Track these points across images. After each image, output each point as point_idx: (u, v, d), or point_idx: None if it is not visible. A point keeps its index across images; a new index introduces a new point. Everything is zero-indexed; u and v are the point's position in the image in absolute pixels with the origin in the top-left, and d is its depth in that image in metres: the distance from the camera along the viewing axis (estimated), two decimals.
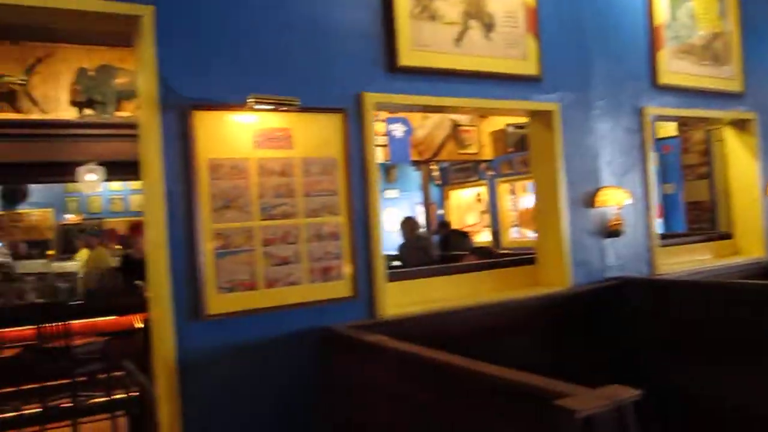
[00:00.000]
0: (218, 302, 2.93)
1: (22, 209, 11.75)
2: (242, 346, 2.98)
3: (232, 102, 3.01)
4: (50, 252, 11.25)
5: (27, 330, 6.14)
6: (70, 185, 11.89)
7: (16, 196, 11.46)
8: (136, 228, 7.43)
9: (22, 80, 7.90)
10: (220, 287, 2.95)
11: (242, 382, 3.00)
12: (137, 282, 6.68)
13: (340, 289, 3.28)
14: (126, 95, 8.37)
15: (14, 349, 5.88)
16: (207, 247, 2.92)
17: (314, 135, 3.24)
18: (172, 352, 2.81)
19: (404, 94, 3.50)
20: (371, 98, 3.38)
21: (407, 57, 3.48)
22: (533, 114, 4.22)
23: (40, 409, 5.99)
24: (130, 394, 4.29)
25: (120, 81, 8.29)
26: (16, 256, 8.11)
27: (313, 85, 3.23)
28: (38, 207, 11.84)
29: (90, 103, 8.27)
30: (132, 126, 8.57)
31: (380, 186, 3.51)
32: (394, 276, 3.53)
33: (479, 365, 2.17)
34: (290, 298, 3.13)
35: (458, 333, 3.24)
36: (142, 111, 2.91)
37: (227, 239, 2.98)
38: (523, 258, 4.36)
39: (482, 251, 5.64)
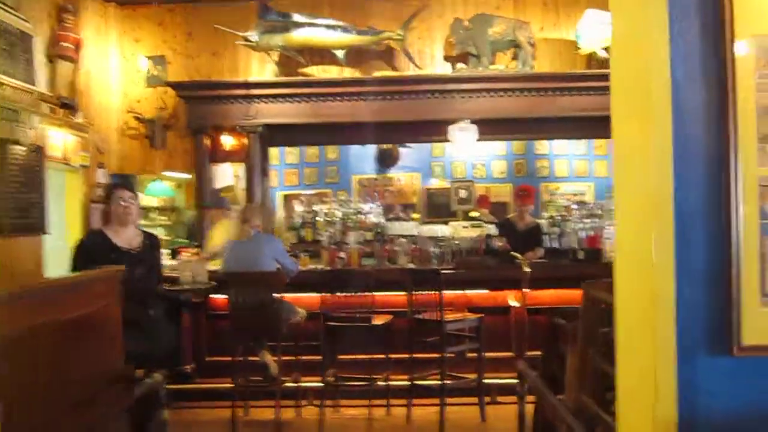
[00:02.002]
0: (763, 322, 1.46)
1: (393, 173, 11.62)
2: None
3: None
4: (415, 216, 10.89)
5: (397, 296, 5.41)
6: (436, 149, 11.45)
7: (389, 160, 11.32)
8: (524, 193, 6.24)
9: (398, 35, 7.29)
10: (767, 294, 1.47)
11: None
12: (513, 254, 5.53)
13: None
14: (501, 45, 7.28)
15: (385, 316, 5.17)
16: (748, 212, 1.46)
17: None
18: (672, 405, 1.42)
19: None
20: None
21: None
22: None
23: (408, 383, 5.25)
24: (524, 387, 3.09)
25: (495, 30, 7.21)
26: (388, 218, 7.65)
27: None
28: (406, 171, 11.60)
29: (464, 57, 7.38)
30: (508, 79, 7.58)
31: None
32: None
33: None
34: None
35: None
36: None
37: None
38: None
39: None
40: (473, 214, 8.91)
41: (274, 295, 4.92)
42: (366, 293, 4.93)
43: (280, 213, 10.19)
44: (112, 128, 7.53)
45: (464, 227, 7.41)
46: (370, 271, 4.97)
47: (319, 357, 5.18)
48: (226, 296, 5.07)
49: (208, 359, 5.63)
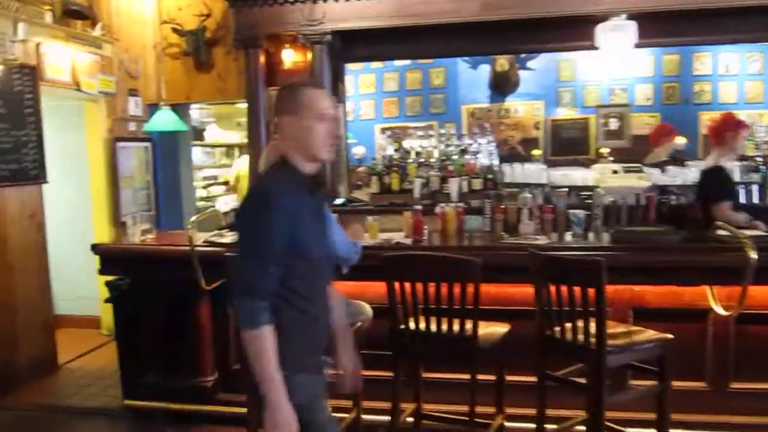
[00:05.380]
0: None
1: (510, 102, 9.24)
2: None
3: None
4: (536, 152, 8.51)
5: (520, 290, 3.26)
6: (564, 71, 8.96)
7: (506, 85, 8.95)
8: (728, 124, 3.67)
9: None
10: None
11: None
12: (721, 223, 3.17)
13: None
14: None
15: (500, 323, 3.06)
16: None
17: None
18: None
19: None
20: None
21: None
22: None
23: (534, 426, 3.13)
24: None
25: None
26: (506, 158, 5.41)
27: None
28: (527, 99, 9.17)
29: None
30: None
31: None
32: None
33: None
34: None
35: None
36: None
37: None
38: None
39: None
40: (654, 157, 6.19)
41: None
42: (469, 282, 2.80)
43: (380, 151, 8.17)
44: (146, 45, 5.68)
45: (613, 172, 5.04)
46: (467, 259, 2.77)
47: (390, 374, 3.15)
48: None
49: (234, 368, 3.75)
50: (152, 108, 5.65)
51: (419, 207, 3.69)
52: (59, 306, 5.51)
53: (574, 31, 5.07)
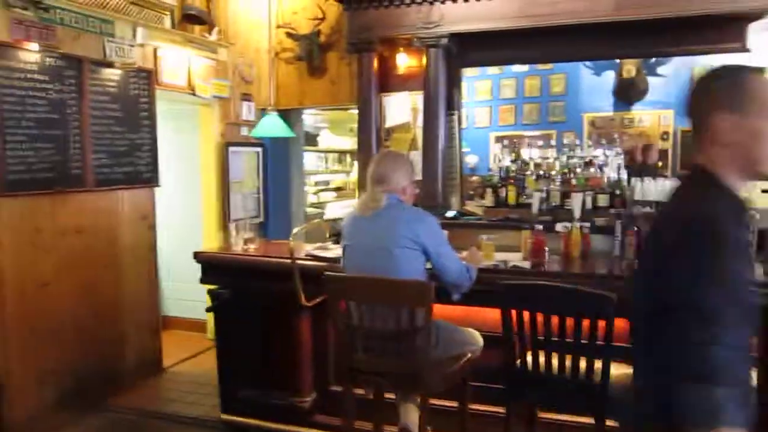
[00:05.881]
0: None
1: (635, 110, 8.57)
2: None
3: None
4: (658, 165, 7.76)
5: None
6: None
7: (633, 93, 8.31)
8: None
9: None
10: None
11: None
12: None
13: None
14: None
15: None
16: None
17: None
18: None
19: None
20: None
21: None
22: None
23: None
24: None
25: None
26: (635, 171, 4.88)
27: None
28: (653, 107, 8.45)
29: None
30: None
31: None
32: None
33: None
34: None
35: None
36: None
37: None
38: None
39: None
40: None
41: (421, 317, 2.58)
42: (600, 318, 2.40)
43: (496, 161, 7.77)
44: (261, 50, 5.62)
45: (763, 191, 4.38)
46: (600, 294, 2.35)
47: (502, 410, 2.79)
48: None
49: (333, 389, 3.53)
50: (265, 113, 5.59)
51: (540, 226, 3.30)
52: (168, 308, 5.58)
53: (720, 32, 4.48)
